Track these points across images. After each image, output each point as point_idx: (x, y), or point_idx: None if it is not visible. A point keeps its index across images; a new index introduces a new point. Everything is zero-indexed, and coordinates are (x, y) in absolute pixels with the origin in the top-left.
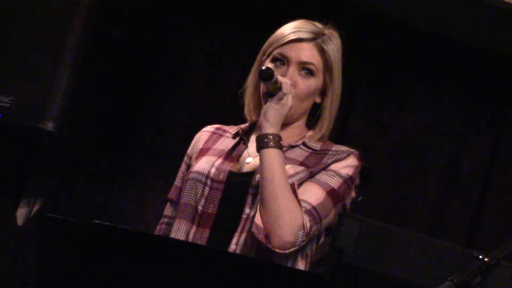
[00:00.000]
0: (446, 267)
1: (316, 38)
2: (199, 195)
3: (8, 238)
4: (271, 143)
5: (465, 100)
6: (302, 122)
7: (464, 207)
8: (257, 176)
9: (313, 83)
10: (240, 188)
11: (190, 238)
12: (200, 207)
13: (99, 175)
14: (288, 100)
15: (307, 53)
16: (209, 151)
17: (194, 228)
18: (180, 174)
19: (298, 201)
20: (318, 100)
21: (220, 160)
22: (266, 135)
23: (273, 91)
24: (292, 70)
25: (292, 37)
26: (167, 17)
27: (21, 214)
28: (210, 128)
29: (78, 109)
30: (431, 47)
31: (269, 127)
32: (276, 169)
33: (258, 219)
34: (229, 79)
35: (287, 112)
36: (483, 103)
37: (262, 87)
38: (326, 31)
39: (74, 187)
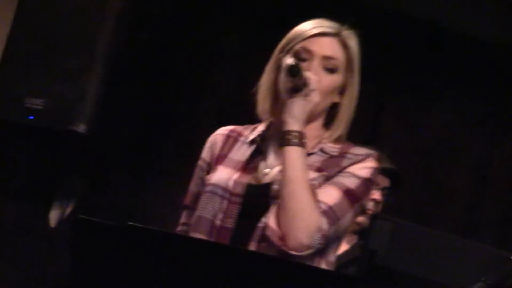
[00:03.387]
0: (478, 268)
1: (339, 33)
2: (216, 209)
3: (41, 240)
4: (295, 140)
5: (495, 100)
6: (319, 123)
7: (496, 208)
8: (275, 187)
9: (336, 79)
10: (258, 201)
11: None
12: (218, 222)
13: (130, 177)
14: (315, 96)
15: (332, 47)
16: (225, 159)
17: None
18: (195, 179)
19: (316, 202)
20: (336, 99)
21: (238, 173)
22: (290, 131)
23: (300, 87)
24: (316, 64)
25: (316, 31)
26: (196, 19)
27: (54, 216)
28: (224, 130)
29: (109, 112)
30: (461, 48)
31: (294, 124)
32: (298, 168)
33: (272, 222)
34: (258, 81)
35: (312, 108)
36: None
37: (285, 82)
38: (346, 30)
39: (105, 189)
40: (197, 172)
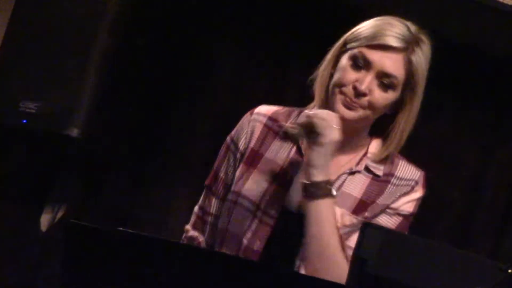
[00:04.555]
0: (471, 278)
1: (406, 48)
2: (246, 226)
3: (33, 244)
4: (319, 192)
5: (491, 110)
6: (365, 134)
7: (490, 219)
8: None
9: (391, 96)
10: (293, 230)
11: None
12: (245, 241)
13: (124, 182)
14: (331, 136)
15: (393, 64)
16: (260, 160)
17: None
18: (224, 162)
19: (347, 257)
20: (390, 111)
21: (273, 187)
22: (313, 184)
23: (311, 138)
24: (371, 78)
25: (381, 41)
26: (193, 25)
27: (45, 220)
28: (263, 117)
29: (103, 116)
30: (457, 57)
31: (316, 174)
32: (324, 225)
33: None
34: (255, 87)
35: (334, 148)
36: (510, 113)
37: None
38: (419, 37)
39: (98, 194)
40: (228, 157)
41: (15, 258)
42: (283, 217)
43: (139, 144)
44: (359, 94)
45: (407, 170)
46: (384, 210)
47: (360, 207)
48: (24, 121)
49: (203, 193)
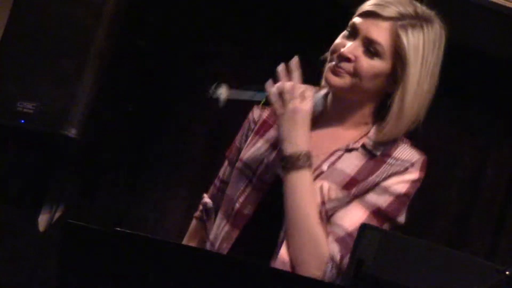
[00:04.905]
0: (468, 279)
1: (397, 19)
2: (240, 190)
3: (30, 244)
4: (291, 165)
5: (488, 111)
6: (370, 110)
7: (486, 220)
8: None
9: (378, 64)
10: (282, 198)
11: (220, 236)
12: (237, 205)
13: (121, 183)
14: (293, 107)
15: (378, 31)
16: (269, 130)
17: (227, 227)
18: (241, 134)
19: (325, 231)
20: (390, 89)
21: (271, 155)
22: (286, 157)
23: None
24: (357, 44)
25: (370, 8)
26: (192, 27)
27: (42, 220)
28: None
29: (100, 116)
30: (454, 58)
31: (286, 148)
32: (299, 196)
33: (283, 252)
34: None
35: (303, 121)
36: (506, 115)
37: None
38: (424, 17)
39: (96, 194)
40: (245, 126)
41: (12, 258)
42: (276, 185)
43: (136, 144)
44: (342, 58)
45: (406, 152)
46: (373, 188)
47: (351, 184)
48: (22, 121)
49: (223, 165)
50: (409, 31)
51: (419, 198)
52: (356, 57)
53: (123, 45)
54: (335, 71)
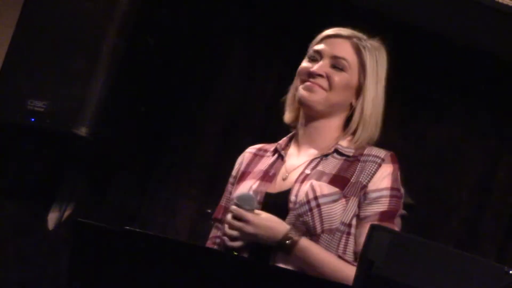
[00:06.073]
0: (477, 281)
1: (357, 38)
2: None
3: (41, 242)
4: (289, 244)
5: (499, 114)
6: (337, 123)
7: (497, 222)
8: (292, 198)
9: (346, 77)
10: (277, 209)
11: None
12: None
13: (131, 182)
14: (248, 222)
15: (341, 48)
16: (249, 175)
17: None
18: (226, 194)
19: (350, 262)
20: (353, 101)
21: (257, 182)
22: (281, 244)
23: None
24: (325, 63)
25: (329, 33)
26: (203, 26)
27: (52, 218)
28: (252, 149)
29: (111, 116)
30: (467, 60)
31: (276, 237)
32: (316, 263)
33: None
34: (263, 89)
35: (262, 216)
36: None
37: (297, 89)
38: (369, 40)
39: (106, 193)
40: (228, 188)
41: (24, 256)
42: (267, 202)
43: (146, 143)
44: (315, 75)
45: (374, 150)
46: (364, 197)
47: (335, 180)
48: (32, 119)
49: (214, 227)
50: (364, 44)
51: (431, 199)
52: (326, 73)
53: (135, 43)
54: (309, 88)
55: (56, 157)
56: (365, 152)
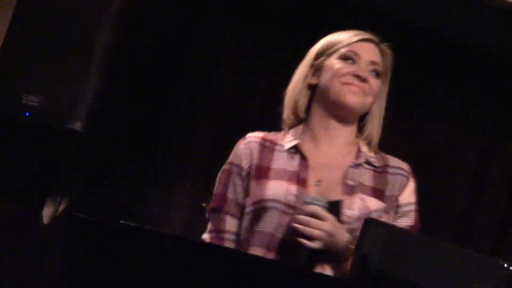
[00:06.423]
0: (472, 275)
1: (379, 44)
2: (277, 223)
3: (36, 238)
4: (346, 253)
5: (493, 110)
6: (354, 129)
7: (491, 218)
8: (346, 209)
9: (379, 83)
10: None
11: None
12: (279, 235)
13: (126, 176)
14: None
15: (375, 53)
16: (270, 171)
17: (271, 254)
18: (230, 185)
19: None
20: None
21: (293, 186)
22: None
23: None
24: (365, 67)
25: (361, 36)
26: (198, 23)
27: (47, 213)
28: (255, 138)
29: (106, 110)
30: (461, 57)
31: (337, 243)
32: None
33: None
34: (258, 83)
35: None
36: (511, 114)
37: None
38: (383, 42)
39: (101, 187)
40: (232, 179)
41: (19, 252)
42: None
43: (140, 138)
44: (361, 78)
45: (394, 161)
46: (397, 208)
47: (376, 193)
48: (27, 114)
49: (211, 219)
50: (385, 47)
51: (424, 196)
52: (366, 78)
53: (129, 39)
54: (356, 92)
55: (51, 152)
56: (390, 164)
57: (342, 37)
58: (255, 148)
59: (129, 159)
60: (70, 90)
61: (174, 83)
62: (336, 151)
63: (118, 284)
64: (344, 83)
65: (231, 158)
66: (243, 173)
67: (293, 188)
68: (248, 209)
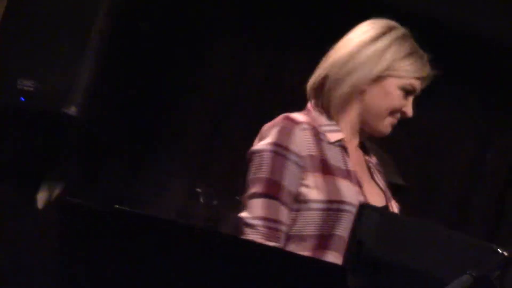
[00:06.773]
0: (467, 260)
1: None
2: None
3: (31, 223)
4: None
5: (489, 98)
6: None
7: (487, 204)
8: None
9: None
10: None
11: None
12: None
13: (122, 162)
14: None
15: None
16: (331, 167)
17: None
18: (287, 173)
19: None
20: None
21: (357, 188)
22: None
23: None
24: (412, 102)
25: (425, 74)
26: (195, 11)
27: (41, 198)
28: (305, 125)
29: (101, 95)
30: (456, 44)
31: None
32: None
33: None
34: (255, 72)
35: None
36: (507, 101)
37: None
38: None
39: (96, 173)
40: (289, 166)
41: (13, 237)
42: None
43: (136, 124)
44: (406, 118)
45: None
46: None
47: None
48: (22, 99)
49: (262, 202)
50: None
51: (421, 183)
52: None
53: (124, 24)
54: (393, 126)
55: (46, 136)
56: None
57: (413, 67)
58: (311, 139)
59: (124, 143)
60: (65, 75)
61: (170, 68)
62: (359, 153)
63: (113, 268)
64: (390, 115)
65: (284, 142)
66: (301, 163)
67: (358, 190)
68: (316, 206)
